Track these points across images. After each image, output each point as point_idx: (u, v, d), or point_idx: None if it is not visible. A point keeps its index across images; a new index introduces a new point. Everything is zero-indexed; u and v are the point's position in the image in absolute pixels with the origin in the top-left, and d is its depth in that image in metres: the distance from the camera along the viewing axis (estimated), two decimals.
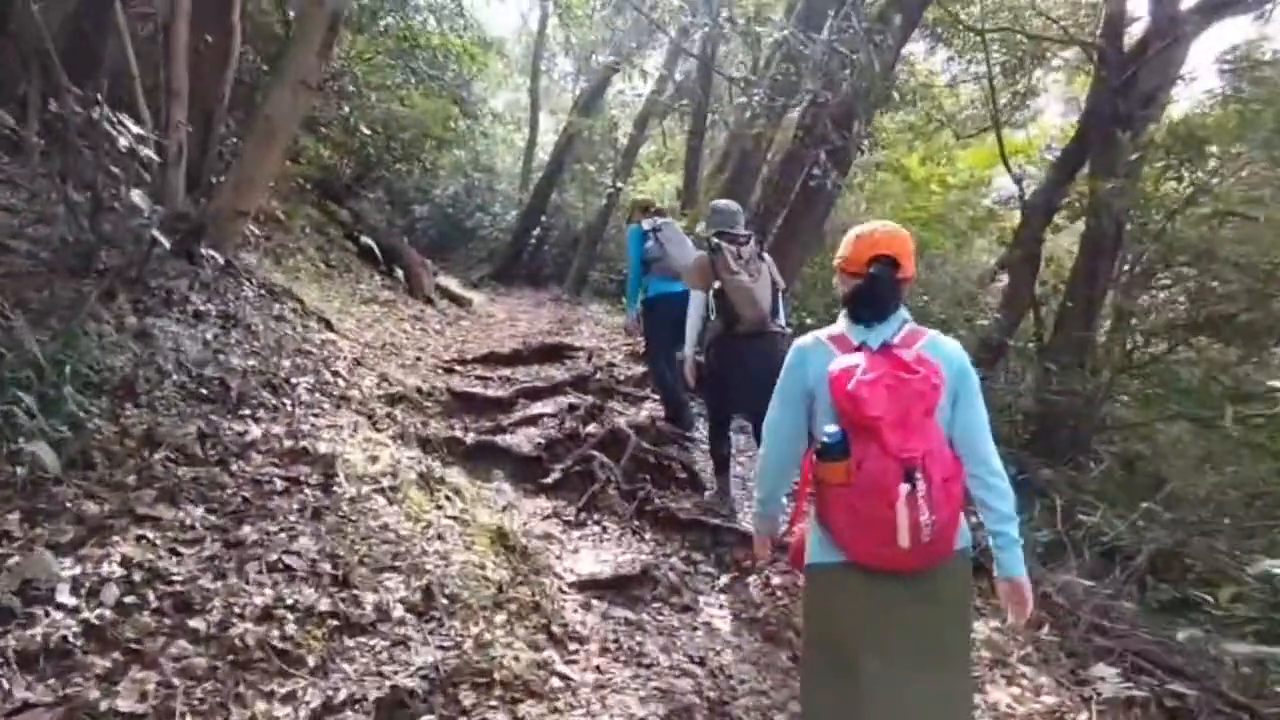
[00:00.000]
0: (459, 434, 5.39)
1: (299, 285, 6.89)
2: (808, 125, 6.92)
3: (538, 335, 8.89)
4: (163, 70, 5.19)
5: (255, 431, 3.61)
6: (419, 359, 6.85)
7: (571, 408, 6.09)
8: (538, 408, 6.19)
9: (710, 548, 4.38)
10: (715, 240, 4.47)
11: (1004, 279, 15.39)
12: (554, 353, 7.78)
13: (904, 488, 1.94)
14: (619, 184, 14.28)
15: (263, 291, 5.49)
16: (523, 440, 5.58)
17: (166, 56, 5.18)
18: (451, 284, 12.05)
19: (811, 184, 6.42)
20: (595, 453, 5.28)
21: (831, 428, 2.07)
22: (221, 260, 5.28)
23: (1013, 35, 8.97)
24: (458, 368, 7.08)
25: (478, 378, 6.92)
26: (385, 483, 3.71)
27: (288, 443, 3.65)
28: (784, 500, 2.50)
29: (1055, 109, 16.20)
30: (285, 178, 8.98)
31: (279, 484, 3.29)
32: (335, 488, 3.45)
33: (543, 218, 15.73)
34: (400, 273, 10.06)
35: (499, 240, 16.44)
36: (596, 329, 9.27)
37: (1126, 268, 8.83)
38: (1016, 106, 9.77)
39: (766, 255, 4.61)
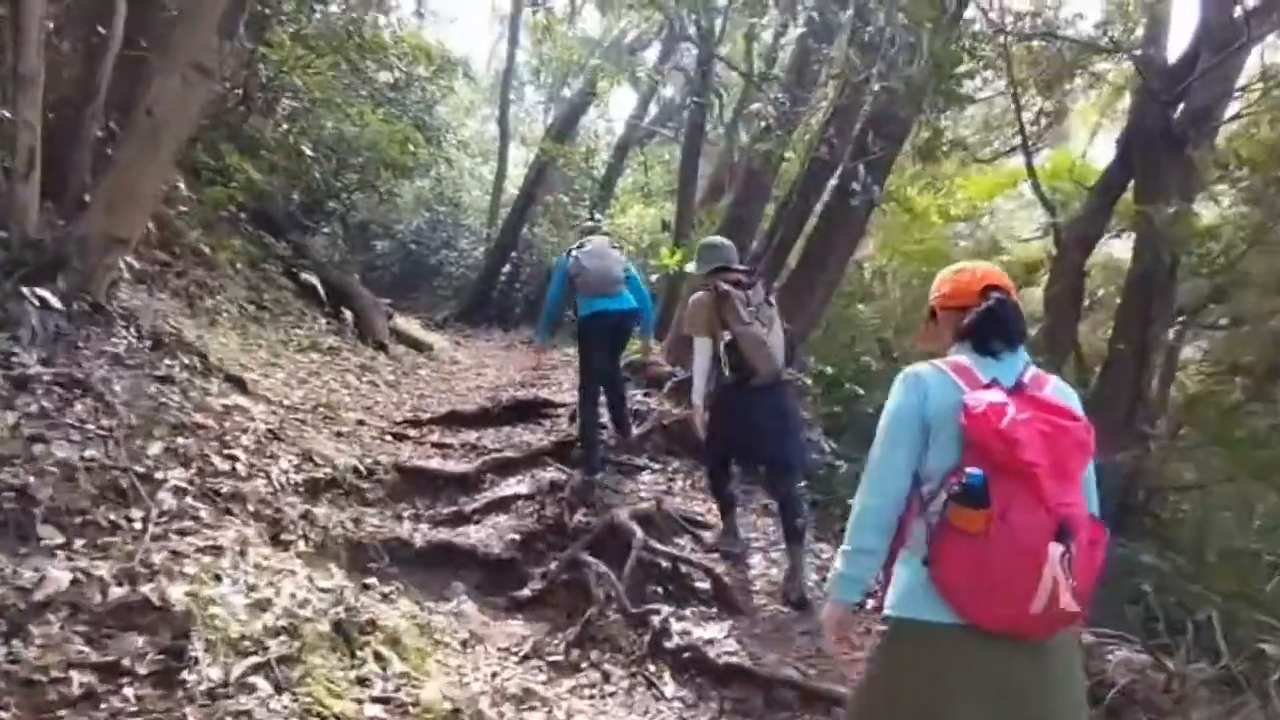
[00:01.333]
0: (405, 533, 4.07)
1: (212, 333, 5.55)
2: (832, 135, 5.76)
3: (509, 387, 7.57)
4: (9, 51, 3.92)
5: (59, 579, 2.25)
6: (361, 422, 5.50)
7: (554, 486, 4.80)
8: (510, 486, 4.91)
9: (762, 712, 3.07)
10: (722, 285, 4.02)
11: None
12: (529, 410, 6.46)
13: (1056, 548, 1.67)
14: (596, 216, 13.12)
15: (146, 343, 4.15)
16: (491, 536, 4.30)
17: (15, 31, 3.90)
18: (412, 326, 10.75)
19: (853, 202, 5.22)
20: (587, 556, 3.99)
21: (973, 469, 1.75)
22: (87, 303, 3.96)
23: (1045, 42, 7.93)
24: (411, 432, 5.74)
25: (435, 445, 5.59)
26: (274, 649, 2.37)
27: (117, 592, 2.30)
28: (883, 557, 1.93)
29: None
30: (213, 204, 7.66)
31: (77, 684, 1.95)
32: (185, 674, 2.11)
33: (513, 253, 14.55)
34: (349, 314, 8.71)
35: (465, 278, 15.25)
36: (578, 379, 7.94)
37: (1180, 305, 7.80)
38: (1046, 127, 8.75)
39: (774, 300, 4.25)
